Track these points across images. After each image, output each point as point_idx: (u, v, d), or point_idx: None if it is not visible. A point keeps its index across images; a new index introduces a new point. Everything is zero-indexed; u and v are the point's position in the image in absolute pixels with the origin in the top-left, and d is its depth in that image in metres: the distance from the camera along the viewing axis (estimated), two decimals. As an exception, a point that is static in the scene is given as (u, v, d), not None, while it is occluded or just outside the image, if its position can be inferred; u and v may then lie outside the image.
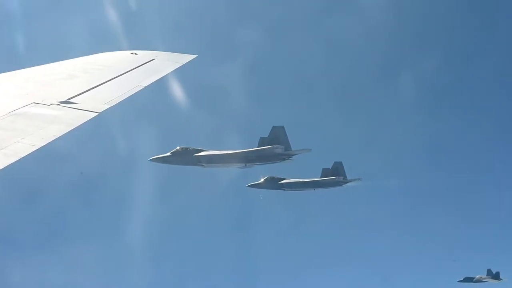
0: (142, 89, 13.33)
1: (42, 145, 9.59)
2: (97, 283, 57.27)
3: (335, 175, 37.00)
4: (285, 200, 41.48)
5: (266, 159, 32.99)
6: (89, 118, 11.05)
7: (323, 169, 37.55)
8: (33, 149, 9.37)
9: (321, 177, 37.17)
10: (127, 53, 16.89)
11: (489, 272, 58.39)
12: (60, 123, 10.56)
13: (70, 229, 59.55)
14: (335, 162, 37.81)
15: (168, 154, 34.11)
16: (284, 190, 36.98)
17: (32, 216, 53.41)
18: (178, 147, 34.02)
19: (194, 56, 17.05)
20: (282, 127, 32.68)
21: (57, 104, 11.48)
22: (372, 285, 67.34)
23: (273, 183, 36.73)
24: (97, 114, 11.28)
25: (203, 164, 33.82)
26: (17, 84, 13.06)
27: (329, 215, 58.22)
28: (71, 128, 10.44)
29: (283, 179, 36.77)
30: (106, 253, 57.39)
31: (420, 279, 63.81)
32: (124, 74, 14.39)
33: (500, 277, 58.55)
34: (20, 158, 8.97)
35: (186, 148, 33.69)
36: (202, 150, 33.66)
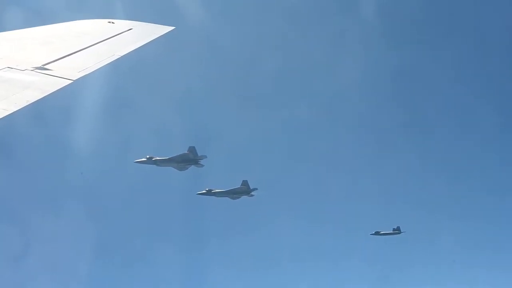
0: (117, 58, 13.37)
1: (15, 110, 9.62)
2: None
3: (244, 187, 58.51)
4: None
5: (187, 161, 53.65)
6: (63, 86, 11.09)
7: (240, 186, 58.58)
8: (6, 114, 9.40)
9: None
10: (104, 21, 16.82)
11: (394, 229, 72.15)
12: (34, 89, 10.58)
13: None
14: (243, 180, 58.16)
15: (144, 159, 53.10)
16: (216, 196, 57.33)
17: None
18: (147, 156, 53.51)
19: (172, 28, 17.07)
20: (193, 146, 53.71)
21: (32, 70, 11.48)
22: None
23: (208, 192, 57.10)
24: (71, 81, 11.33)
25: (158, 165, 53.55)
26: (-9, 47, 12.99)
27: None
28: (45, 95, 10.49)
29: (214, 189, 57.59)
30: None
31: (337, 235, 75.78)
32: (100, 43, 14.39)
33: (401, 230, 72.21)
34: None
35: (150, 156, 53.42)
36: (156, 157, 53.79)
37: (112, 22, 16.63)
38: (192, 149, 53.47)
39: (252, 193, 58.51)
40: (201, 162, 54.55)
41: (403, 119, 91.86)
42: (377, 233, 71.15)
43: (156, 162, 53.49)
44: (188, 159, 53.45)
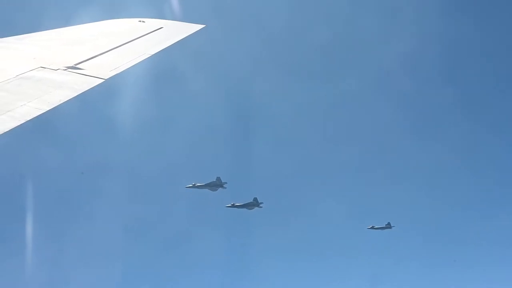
0: (149, 57, 13.36)
1: (48, 109, 9.68)
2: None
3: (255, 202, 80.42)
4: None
5: (216, 186, 76.51)
6: (95, 85, 11.13)
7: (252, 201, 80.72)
8: (39, 113, 9.47)
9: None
10: (135, 20, 16.88)
11: (386, 225, 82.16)
12: (66, 88, 10.64)
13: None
14: (254, 197, 78.91)
15: (191, 185, 75.51)
16: (237, 208, 78.68)
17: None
18: (193, 183, 75.50)
19: (202, 26, 17.01)
20: (219, 177, 76.41)
21: (64, 69, 11.56)
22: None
23: (232, 205, 78.67)
24: (103, 80, 11.35)
25: (199, 188, 76.20)
26: (25, 48, 13.13)
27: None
28: (77, 94, 10.53)
29: (235, 203, 79.10)
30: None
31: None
32: (131, 42, 14.42)
33: (392, 225, 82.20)
34: (26, 121, 9.09)
35: (194, 183, 75.45)
36: (197, 183, 76.55)
37: (143, 21, 16.66)
38: (218, 178, 79.36)
39: (261, 205, 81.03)
40: (225, 186, 79.66)
41: (412, 116, 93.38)
42: (372, 227, 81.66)
43: (198, 187, 79.14)
44: (216, 185, 79.12)
